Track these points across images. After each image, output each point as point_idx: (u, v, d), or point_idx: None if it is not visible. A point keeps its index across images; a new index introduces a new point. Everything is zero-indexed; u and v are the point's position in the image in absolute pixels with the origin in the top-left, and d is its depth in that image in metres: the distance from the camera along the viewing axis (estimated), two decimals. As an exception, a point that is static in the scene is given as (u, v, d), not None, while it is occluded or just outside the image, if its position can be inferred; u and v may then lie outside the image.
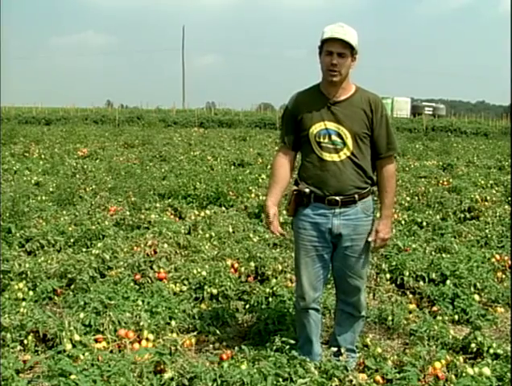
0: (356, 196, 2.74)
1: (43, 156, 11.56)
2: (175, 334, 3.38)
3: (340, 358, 2.69)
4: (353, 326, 2.97)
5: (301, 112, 2.76)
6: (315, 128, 2.72)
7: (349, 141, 2.70)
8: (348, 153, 2.71)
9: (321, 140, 2.72)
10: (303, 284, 2.82)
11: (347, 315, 2.95)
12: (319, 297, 2.92)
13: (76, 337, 3.09)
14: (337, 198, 2.72)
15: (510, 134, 18.01)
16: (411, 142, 17.07)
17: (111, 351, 3.04)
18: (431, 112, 36.26)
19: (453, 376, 2.72)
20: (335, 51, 2.62)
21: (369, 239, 2.77)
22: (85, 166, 9.87)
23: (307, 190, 2.77)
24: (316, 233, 2.78)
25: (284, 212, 4.14)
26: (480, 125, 26.85)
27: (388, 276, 4.41)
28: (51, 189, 7.76)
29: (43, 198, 7.18)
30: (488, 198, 7.33)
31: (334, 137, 2.70)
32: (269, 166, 10.64)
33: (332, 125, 2.70)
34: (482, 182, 8.96)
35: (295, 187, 2.83)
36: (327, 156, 2.72)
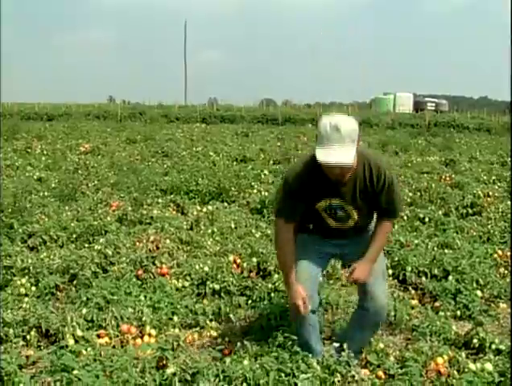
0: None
1: (45, 152, 11.55)
2: (177, 330, 3.38)
3: (343, 353, 2.69)
4: (369, 333, 2.94)
5: (305, 192, 2.64)
6: (320, 205, 2.70)
7: (355, 214, 2.71)
8: (353, 223, 2.75)
9: (326, 214, 2.73)
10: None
11: (364, 320, 2.86)
12: (315, 300, 2.82)
13: (79, 332, 3.09)
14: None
15: (510, 131, 17.94)
16: (414, 138, 17.00)
17: (113, 347, 3.04)
18: (433, 108, 36.11)
19: (455, 372, 2.72)
20: (335, 173, 2.52)
21: (346, 273, 2.72)
22: (87, 162, 9.87)
23: (310, 226, 2.82)
24: (319, 246, 2.82)
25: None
26: (482, 120, 26.72)
27: (390, 271, 4.39)
28: (53, 185, 7.75)
29: (46, 193, 7.17)
30: (490, 193, 7.29)
31: (340, 213, 2.71)
32: (271, 162, 10.66)
33: (336, 201, 2.67)
34: (485, 177, 8.93)
35: None
36: (332, 223, 2.76)
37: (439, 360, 2.77)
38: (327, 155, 2.40)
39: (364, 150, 2.67)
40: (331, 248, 2.85)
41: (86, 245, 4.93)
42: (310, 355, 2.72)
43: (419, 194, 7.64)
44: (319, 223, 2.78)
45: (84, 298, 3.60)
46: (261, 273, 4.34)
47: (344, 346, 2.72)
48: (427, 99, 40.32)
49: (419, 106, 36.40)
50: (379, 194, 2.63)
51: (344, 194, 2.63)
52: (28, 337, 3.16)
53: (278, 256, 2.74)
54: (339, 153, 2.39)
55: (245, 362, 2.68)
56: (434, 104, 38.02)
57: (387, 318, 3.52)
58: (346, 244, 2.83)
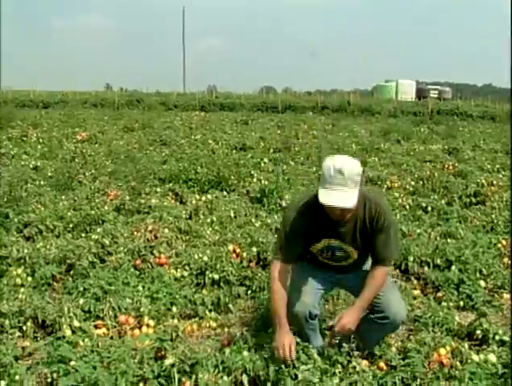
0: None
1: (41, 140, 11.50)
2: (176, 320, 3.38)
3: (344, 345, 2.68)
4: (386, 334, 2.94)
5: (304, 231, 2.67)
6: (318, 246, 2.75)
7: (355, 254, 2.75)
8: (352, 261, 2.78)
9: (323, 254, 2.78)
10: (298, 290, 2.78)
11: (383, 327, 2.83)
12: (315, 304, 2.80)
13: (76, 323, 3.09)
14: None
15: (510, 119, 17.89)
16: (416, 126, 16.95)
17: (111, 338, 3.04)
18: (436, 96, 36.02)
19: (458, 363, 2.72)
20: (335, 213, 2.56)
21: (331, 322, 2.65)
22: (84, 151, 9.85)
23: (308, 256, 2.84)
24: (319, 271, 2.86)
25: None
26: (486, 108, 26.64)
27: (392, 261, 4.39)
28: (49, 173, 7.72)
29: (42, 182, 7.15)
30: (494, 182, 7.28)
31: (338, 253, 2.76)
32: (271, 150, 10.64)
33: (336, 242, 2.72)
34: (489, 166, 8.92)
35: None
36: (330, 263, 2.81)
37: (442, 351, 2.76)
38: (329, 197, 2.46)
39: (366, 191, 2.69)
40: (331, 275, 2.88)
41: (83, 235, 4.92)
42: (310, 346, 2.72)
43: (421, 183, 7.64)
44: (317, 262, 2.84)
45: (82, 289, 3.59)
46: (261, 263, 4.33)
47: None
48: (429, 86, 40.21)
49: (421, 94, 36.30)
50: (376, 234, 2.65)
51: (343, 234, 2.68)
52: (24, 328, 3.15)
53: (271, 300, 2.72)
54: (341, 196, 2.45)
55: (245, 353, 2.67)
56: (437, 92, 37.93)
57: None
58: (346, 276, 2.87)
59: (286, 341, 2.53)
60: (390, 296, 2.78)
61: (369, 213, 2.62)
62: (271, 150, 10.66)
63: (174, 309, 3.51)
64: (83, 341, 2.86)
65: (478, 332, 3.17)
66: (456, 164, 9.02)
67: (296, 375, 2.51)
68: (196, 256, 4.21)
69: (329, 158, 2.57)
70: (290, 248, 2.69)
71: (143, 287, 3.72)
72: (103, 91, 35.56)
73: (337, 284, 2.98)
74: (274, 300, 2.66)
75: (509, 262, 4.46)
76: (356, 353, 2.66)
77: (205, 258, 4.15)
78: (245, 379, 2.49)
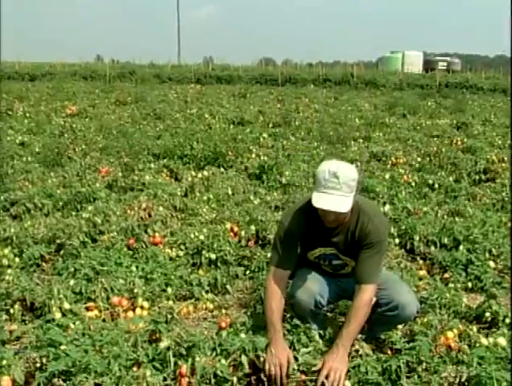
0: None
1: (27, 114, 11.42)
2: (171, 302, 3.38)
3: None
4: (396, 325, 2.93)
5: (301, 237, 2.73)
6: (314, 253, 2.81)
7: (351, 263, 2.78)
8: (350, 269, 2.82)
9: (321, 262, 2.85)
10: (303, 279, 2.80)
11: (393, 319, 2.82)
12: (322, 293, 2.80)
13: (66, 305, 3.08)
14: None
15: (510, 94, 17.78)
16: (423, 99, 16.85)
17: (103, 320, 3.04)
18: (444, 68, 35.69)
19: (466, 347, 2.72)
20: (329, 219, 2.59)
21: (314, 368, 2.46)
22: (74, 125, 9.81)
23: (308, 263, 2.87)
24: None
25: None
26: (498, 80, 26.38)
27: (397, 241, 4.39)
28: (37, 149, 7.70)
29: (29, 159, 7.13)
30: (505, 159, 7.26)
31: (335, 261, 2.82)
32: (270, 125, 10.59)
33: (332, 251, 2.77)
34: (499, 142, 8.87)
35: None
36: (328, 270, 2.87)
37: (450, 334, 2.76)
38: (322, 200, 2.49)
39: (362, 203, 2.69)
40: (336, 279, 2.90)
41: (73, 213, 4.91)
42: (312, 328, 2.72)
43: (428, 159, 7.63)
44: (316, 268, 2.88)
45: (72, 269, 3.58)
46: (259, 242, 4.34)
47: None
48: (438, 58, 39.80)
49: (429, 65, 35.96)
50: (362, 249, 2.64)
51: (337, 244, 2.73)
52: (12, 311, 3.14)
53: (266, 310, 2.67)
54: (335, 200, 2.48)
55: (243, 335, 2.67)
56: (445, 64, 37.56)
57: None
58: (346, 280, 2.86)
59: (283, 358, 2.44)
60: (397, 285, 2.80)
61: (360, 227, 2.65)
62: (271, 125, 10.64)
63: (169, 290, 3.51)
64: (74, 324, 2.85)
65: (487, 315, 3.17)
66: (465, 139, 8.98)
67: (296, 358, 2.51)
68: (192, 235, 4.21)
69: (325, 161, 2.63)
70: (286, 254, 2.71)
71: (137, 267, 3.71)
72: (93, 62, 35.10)
73: (340, 287, 2.94)
74: (269, 310, 2.63)
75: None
76: (359, 336, 2.66)
77: (202, 237, 4.14)
78: (244, 360, 2.48)
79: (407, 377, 2.46)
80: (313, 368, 2.46)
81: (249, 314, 3.21)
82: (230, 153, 7.49)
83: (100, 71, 26.02)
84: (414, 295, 2.89)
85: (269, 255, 3.81)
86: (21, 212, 4.93)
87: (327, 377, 2.40)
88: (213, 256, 3.95)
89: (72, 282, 3.36)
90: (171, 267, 3.81)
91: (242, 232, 4.36)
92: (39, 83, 21.91)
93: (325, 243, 2.75)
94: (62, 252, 4.03)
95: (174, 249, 4.11)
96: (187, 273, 3.75)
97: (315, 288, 2.77)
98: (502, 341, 2.72)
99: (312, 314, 2.80)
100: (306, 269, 2.85)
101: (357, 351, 2.62)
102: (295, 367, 2.46)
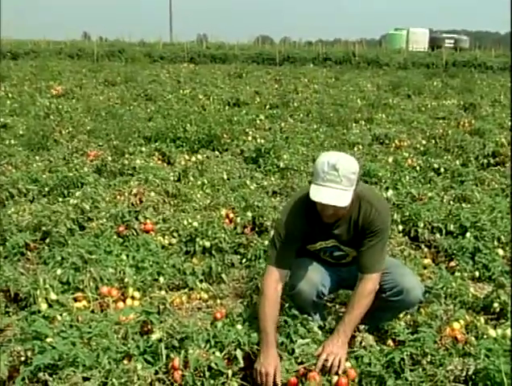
0: None
1: (10, 94, 11.38)
2: (163, 292, 3.39)
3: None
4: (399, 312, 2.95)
5: (299, 234, 2.71)
6: (315, 246, 2.81)
7: (353, 252, 2.79)
8: (351, 259, 2.83)
9: (321, 255, 2.85)
10: (304, 268, 2.79)
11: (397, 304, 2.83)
12: (324, 282, 2.80)
13: (53, 296, 3.07)
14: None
15: (510, 70, 17.72)
16: (429, 79, 16.83)
17: (92, 311, 3.03)
18: (452, 45, 35.54)
19: (473, 338, 2.72)
20: (327, 213, 2.58)
21: (315, 353, 2.49)
22: (60, 106, 9.79)
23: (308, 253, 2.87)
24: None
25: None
26: (508, 58, 26.30)
27: (400, 227, 4.39)
28: (20, 132, 7.69)
29: (12, 142, 7.12)
30: (515, 141, 7.24)
31: (336, 253, 2.82)
32: (268, 106, 10.57)
33: (333, 243, 2.78)
34: (509, 123, 8.85)
35: None
36: (330, 260, 2.87)
37: (456, 325, 2.76)
38: (321, 194, 2.47)
39: (362, 191, 2.66)
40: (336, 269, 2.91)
41: (60, 199, 4.90)
42: (310, 319, 2.72)
43: (433, 141, 7.63)
44: (316, 257, 2.88)
45: (59, 258, 3.58)
46: (256, 229, 4.34)
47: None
48: (445, 35, 39.65)
49: (435, 43, 35.78)
50: (366, 238, 2.65)
51: (339, 236, 2.73)
52: (-5, 301, 3.13)
53: (260, 316, 2.62)
54: (334, 194, 2.46)
55: (239, 326, 2.68)
56: (453, 41, 37.38)
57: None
58: (350, 268, 2.86)
59: (269, 368, 2.41)
60: (401, 270, 2.81)
61: (363, 215, 2.65)
62: (268, 106, 10.63)
63: (161, 279, 3.51)
64: (60, 315, 2.85)
65: (495, 305, 3.18)
66: (473, 121, 8.97)
67: (293, 350, 2.51)
68: (186, 222, 4.21)
69: (324, 153, 2.61)
70: (285, 253, 2.69)
71: (127, 256, 3.71)
72: (80, 40, 34.86)
73: (340, 277, 2.94)
74: (262, 317, 2.59)
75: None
76: (362, 327, 2.66)
77: (195, 224, 4.14)
78: (239, 354, 2.49)
79: (411, 370, 2.46)
80: (314, 353, 2.49)
81: (245, 304, 3.22)
82: (225, 135, 7.48)
83: (87, 50, 25.87)
84: (418, 279, 2.91)
85: (266, 244, 3.88)
86: (4, 198, 4.91)
87: (326, 362, 2.44)
88: (208, 244, 3.95)
89: (58, 271, 3.36)
90: (164, 255, 3.81)
91: (238, 219, 4.36)
92: (21, 61, 21.78)
93: (326, 236, 2.75)
94: (48, 240, 4.02)
95: (166, 237, 4.11)
96: (181, 262, 3.75)
97: (316, 278, 2.76)
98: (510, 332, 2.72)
99: (314, 305, 2.80)
100: (306, 259, 2.84)
101: (360, 342, 2.63)
102: (284, 376, 2.43)
